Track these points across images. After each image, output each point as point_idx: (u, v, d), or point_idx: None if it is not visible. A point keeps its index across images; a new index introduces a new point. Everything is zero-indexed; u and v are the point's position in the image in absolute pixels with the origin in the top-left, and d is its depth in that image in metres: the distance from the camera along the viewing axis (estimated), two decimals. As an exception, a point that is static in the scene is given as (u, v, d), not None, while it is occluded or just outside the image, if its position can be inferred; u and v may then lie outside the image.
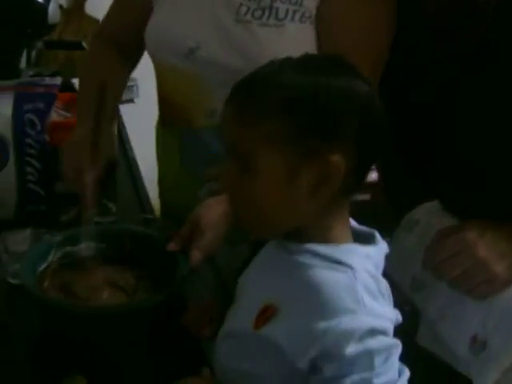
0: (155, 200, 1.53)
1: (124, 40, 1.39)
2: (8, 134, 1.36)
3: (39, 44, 2.22)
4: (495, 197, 1.14)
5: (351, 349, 0.76)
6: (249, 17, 1.21)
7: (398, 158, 1.20)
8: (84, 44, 2.25)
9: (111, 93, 1.31)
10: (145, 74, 1.47)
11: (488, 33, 1.10)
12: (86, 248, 1.15)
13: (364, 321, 0.77)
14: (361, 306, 0.77)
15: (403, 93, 1.17)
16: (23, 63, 2.13)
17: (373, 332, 0.77)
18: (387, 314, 0.81)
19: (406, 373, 0.82)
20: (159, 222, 1.41)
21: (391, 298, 0.86)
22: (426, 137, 1.19)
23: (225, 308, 0.94)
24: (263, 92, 0.79)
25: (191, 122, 1.30)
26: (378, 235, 0.88)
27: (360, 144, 0.79)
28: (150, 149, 1.46)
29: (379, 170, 1.34)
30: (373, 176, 1.29)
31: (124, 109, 1.89)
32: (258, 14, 1.20)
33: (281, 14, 1.19)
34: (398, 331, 0.83)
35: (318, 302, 0.78)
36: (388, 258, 0.90)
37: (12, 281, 1.15)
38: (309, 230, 0.83)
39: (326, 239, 0.83)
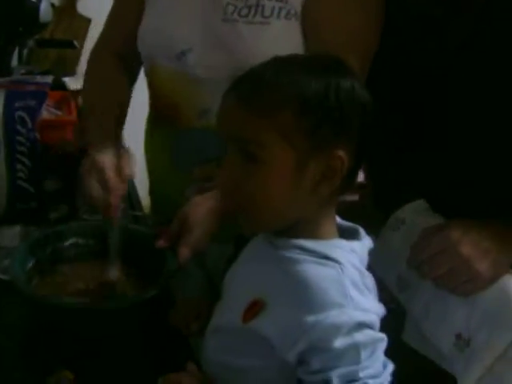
0: (145, 198, 1.54)
1: (127, 51, 1.37)
2: (-1, 131, 1.36)
3: (31, 42, 2.22)
4: (481, 196, 1.15)
5: (339, 342, 0.77)
6: (235, 16, 1.21)
7: (384, 156, 1.21)
8: (75, 43, 2.26)
9: (123, 106, 1.32)
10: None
11: (477, 26, 1.10)
12: (74, 244, 1.16)
13: (351, 315, 0.78)
14: (348, 301, 0.79)
15: (391, 90, 1.17)
16: (15, 61, 2.14)
17: (360, 326, 0.79)
18: (373, 308, 0.83)
19: (390, 366, 0.83)
20: (149, 220, 1.42)
21: (376, 292, 0.87)
22: (414, 135, 1.20)
23: (212, 304, 0.95)
24: (275, 86, 0.80)
25: (182, 123, 1.30)
26: (362, 230, 0.90)
27: (359, 142, 0.82)
28: (139, 147, 1.47)
29: (365, 171, 1.34)
30: (361, 176, 1.30)
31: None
32: (244, 12, 1.21)
33: (267, 12, 1.20)
34: (385, 329, 0.84)
35: (306, 297, 0.79)
36: (374, 256, 0.91)
37: (1, 276, 1.16)
38: (298, 226, 0.85)
39: (313, 235, 0.85)
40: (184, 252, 1.05)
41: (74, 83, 1.85)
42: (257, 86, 0.80)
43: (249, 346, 0.84)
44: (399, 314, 1.16)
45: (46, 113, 1.52)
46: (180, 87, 1.28)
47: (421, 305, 1.11)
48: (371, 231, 0.93)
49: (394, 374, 0.83)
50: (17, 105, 1.38)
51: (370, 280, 0.85)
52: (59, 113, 1.64)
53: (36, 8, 2.03)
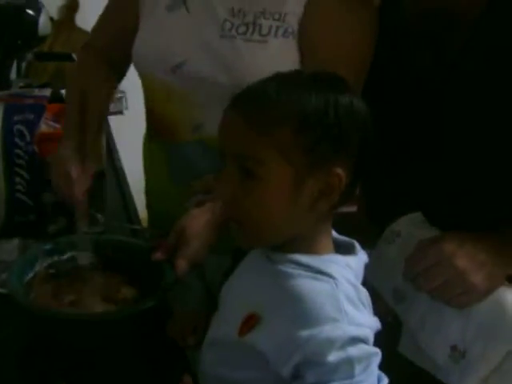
0: (142, 210, 1.54)
1: (111, 52, 1.40)
2: (-3, 144, 1.37)
3: (29, 55, 2.23)
4: (477, 208, 1.16)
5: (333, 356, 0.77)
6: (233, 32, 1.22)
7: (379, 169, 1.21)
8: (74, 56, 2.26)
9: (97, 104, 1.33)
10: (133, 86, 1.48)
11: (472, 40, 1.12)
12: (72, 257, 1.16)
13: (346, 329, 0.79)
14: (343, 315, 0.79)
15: (386, 102, 1.17)
16: (13, 74, 2.14)
17: (354, 340, 0.79)
18: (368, 323, 0.83)
19: (385, 380, 0.84)
20: (146, 232, 1.42)
21: (371, 306, 0.87)
22: (409, 147, 1.21)
23: (209, 316, 0.96)
24: (275, 103, 0.80)
25: (177, 136, 1.31)
26: (357, 245, 0.90)
27: (358, 159, 0.83)
28: (137, 160, 1.47)
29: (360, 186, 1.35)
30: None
31: (113, 120, 1.90)
32: (242, 29, 1.22)
33: (264, 30, 1.21)
34: (380, 341, 0.84)
35: (300, 311, 0.80)
36: (370, 269, 0.92)
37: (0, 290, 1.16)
38: (295, 241, 0.85)
39: (310, 250, 0.85)
40: (181, 264, 1.05)
41: (73, 96, 1.86)
42: (257, 103, 0.81)
43: (245, 359, 0.84)
44: (395, 326, 1.16)
45: (45, 126, 1.52)
46: (175, 101, 1.29)
47: (417, 317, 1.12)
48: (366, 244, 0.93)
49: (390, 387, 0.83)
50: (15, 118, 1.39)
51: (364, 295, 0.86)
52: (57, 125, 1.64)
53: (35, 21, 2.05)
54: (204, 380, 0.91)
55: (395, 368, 0.87)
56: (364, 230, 1.26)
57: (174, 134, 1.31)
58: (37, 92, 1.52)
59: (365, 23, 1.19)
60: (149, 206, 1.51)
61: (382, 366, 0.83)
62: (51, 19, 2.28)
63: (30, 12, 2.05)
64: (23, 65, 2.24)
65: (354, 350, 0.79)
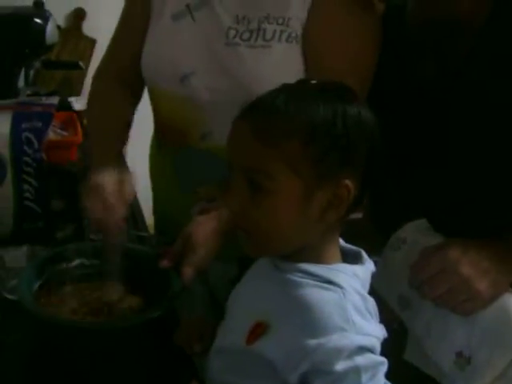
0: (149, 217, 1.55)
1: (129, 76, 1.38)
2: (6, 152, 1.38)
3: (37, 64, 2.25)
4: (482, 216, 1.16)
5: (340, 365, 0.78)
6: (237, 39, 1.23)
7: (385, 177, 1.22)
8: (81, 64, 2.28)
9: (124, 132, 1.34)
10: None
11: (476, 49, 1.12)
12: (81, 265, 1.17)
13: (353, 339, 0.79)
14: (350, 325, 0.80)
15: (390, 112, 1.17)
16: (21, 82, 2.15)
17: (361, 350, 0.79)
18: (375, 332, 0.83)
19: (391, 389, 0.84)
20: (153, 239, 1.42)
21: (378, 316, 0.88)
22: (415, 156, 1.21)
23: (216, 324, 0.96)
24: (283, 115, 0.80)
25: (185, 144, 1.31)
26: (364, 254, 0.90)
27: (366, 169, 0.83)
28: (144, 167, 1.48)
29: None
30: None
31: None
32: (246, 36, 1.22)
33: (268, 35, 1.21)
34: (386, 348, 0.85)
35: (309, 320, 0.80)
36: (376, 275, 0.92)
37: (9, 296, 1.17)
38: (303, 251, 0.86)
39: (317, 260, 0.86)
40: (188, 272, 1.06)
41: (80, 104, 1.88)
42: (266, 115, 0.81)
43: (252, 367, 0.85)
44: (401, 332, 1.16)
45: (52, 133, 1.54)
46: (183, 110, 1.29)
47: (422, 323, 1.12)
48: (371, 251, 0.94)
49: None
50: (23, 126, 1.40)
51: (371, 304, 0.86)
52: (65, 133, 1.66)
53: (42, 30, 2.06)
54: (212, 387, 0.92)
55: (401, 374, 0.87)
56: (369, 236, 1.26)
57: (182, 142, 1.32)
58: (44, 100, 1.53)
59: (368, 30, 1.20)
60: (155, 212, 1.52)
61: (388, 373, 0.83)
62: (58, 27, 2.29)
63: (38, 20, 2.06)
64: (31, 73, 2.25)
65: (361, 359, 0.79)
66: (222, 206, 1.09)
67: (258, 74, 1.19)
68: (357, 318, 0.81)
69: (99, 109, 1.39)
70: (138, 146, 1.48)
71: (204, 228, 1.09)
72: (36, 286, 1.10)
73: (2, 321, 1.13)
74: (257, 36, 1.22)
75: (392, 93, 1.20)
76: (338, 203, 0.82)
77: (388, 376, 0.83)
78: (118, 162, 1.24)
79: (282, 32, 1.21)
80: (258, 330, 0.84)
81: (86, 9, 2.93)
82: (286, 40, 1.21)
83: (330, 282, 0.83)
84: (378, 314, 0.88)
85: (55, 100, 1.54)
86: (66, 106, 1.81)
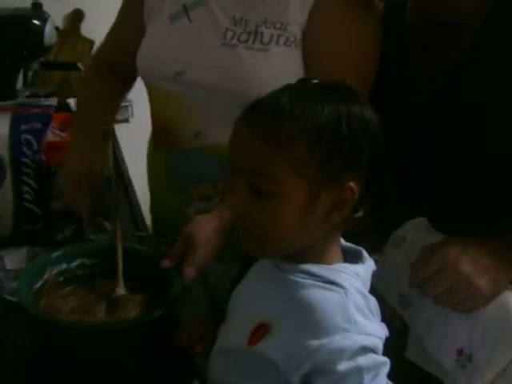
0: (149, 218, 1.55)
1: (119, 66, 1.42)
2: (5, 153, 1.37)
3: (35, 65, 2.25)
4: (481, 214, 1.16)
5: (343, 366, 0.78)
6: (235, 41, 1.23)
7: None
8: (79, 65, 2.28)
9: (108, 116, 1.36)
10: (139, 94, 1.49)
11: (474, 50, 1.12)
12: (81, 265, 1.17)
13: (355, 339, 0.79)
14: (352, 325, 0.80)
15: (390, 110, 1.18)
16: (20, 84, 2.16)
17: (364, 350, 0.79)
18: (377, 332, 0.83)
19: (393, 389, 0.84)
20: (153, 240, 1.42)
21: (379, 314, 0.88)
22: (415, 156, 1.21)
23: (216, 324, 0.96)
24: (288, 117, 0.79)
25: (179, 143, 1.32)
26: (365, 253, 0.90)
27: (370, 170, 0.83)
28: (144, 168, 1.48)
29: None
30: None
31: (119, 128, 1.91)
32: (243, 38, 1.22)
33: (265, 39, 1.21)
34: (388, 346, 0.85)
35: (311, 321, 0.80)
36: (377, 273, 0.92)
37: (9, 298, 1.17)
38: (305, 252, 0.85)
39: (319, 260, 0.85)
40: (189, 272, 1.06)
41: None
42: (270, 117, 0.79)
43: (254, 367, 0.84)
44: (402, 331, 1.16)
45: (51, 134, 1.54)
46: (176, 108, 1.30)
47: (423, 321, 1.12)
48: (371, 249, 0.93)
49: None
50: (22, 128, 1.40)
51: (373, 304, 0.86)
52: (64, 134, 1.66)
53: (40, 31, 2.06)
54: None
55: (403, 372, 0.87)
56: (370, 235, 1.26)
57: (175, 140, 1.32)
58: (43, 101, 1.53)
59: (369, 31, 1.20)
60: (152, 212, 1.53)
61: (391, 371, 0.83)
62: (57, 29, 2.30)
63: (36, 22, 2.07)
64: (29, 74, 2.25)
65: (363, 360, 0.79)
66: (222, 206, 1.09)
67: (255, 75, 1.19)
68: (359, 318, 0.81)
69: (89, 93, 1.44)
70: (137, 145, 1.48)
71: (205, 228, 1.09)
72: (36, 286, 1.10)
73: (2, 321, 1.13)
74: (254, 39, 1.22)
75: (391, 92, 1.20)
76: (342, 205, 0.81)
77: (390, 374, 0.83)
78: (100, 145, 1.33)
79: (279, 36, 1.21)
80: (261, 331, 0.83)
81: (84, 10, 2.94)
82: (285, 44, 1.21)
83: (331, 283, 0.83)
84: (379, 312, 0.88)
85: (54, 101, 1.54)
86: (64, 107, 1.81)
